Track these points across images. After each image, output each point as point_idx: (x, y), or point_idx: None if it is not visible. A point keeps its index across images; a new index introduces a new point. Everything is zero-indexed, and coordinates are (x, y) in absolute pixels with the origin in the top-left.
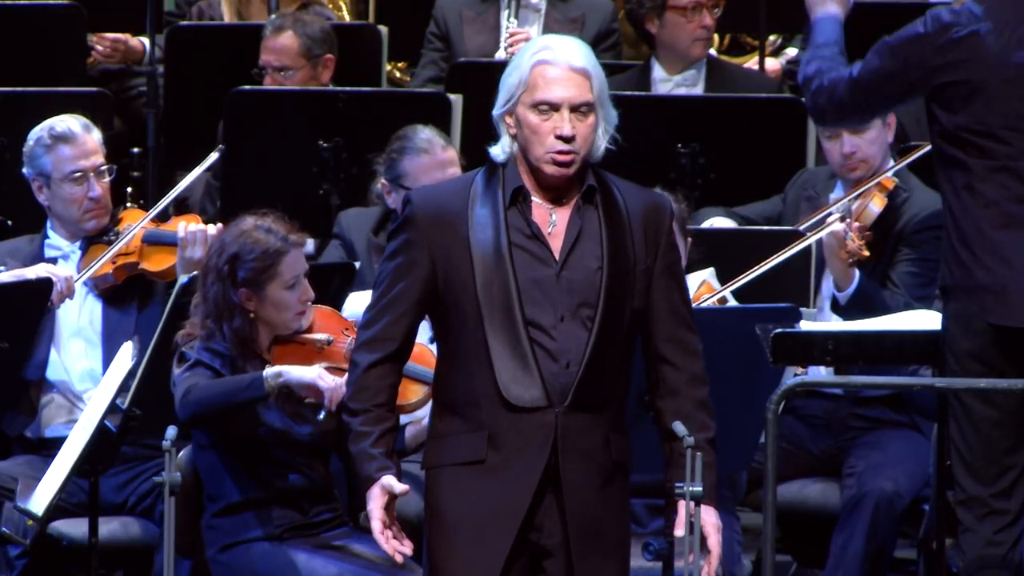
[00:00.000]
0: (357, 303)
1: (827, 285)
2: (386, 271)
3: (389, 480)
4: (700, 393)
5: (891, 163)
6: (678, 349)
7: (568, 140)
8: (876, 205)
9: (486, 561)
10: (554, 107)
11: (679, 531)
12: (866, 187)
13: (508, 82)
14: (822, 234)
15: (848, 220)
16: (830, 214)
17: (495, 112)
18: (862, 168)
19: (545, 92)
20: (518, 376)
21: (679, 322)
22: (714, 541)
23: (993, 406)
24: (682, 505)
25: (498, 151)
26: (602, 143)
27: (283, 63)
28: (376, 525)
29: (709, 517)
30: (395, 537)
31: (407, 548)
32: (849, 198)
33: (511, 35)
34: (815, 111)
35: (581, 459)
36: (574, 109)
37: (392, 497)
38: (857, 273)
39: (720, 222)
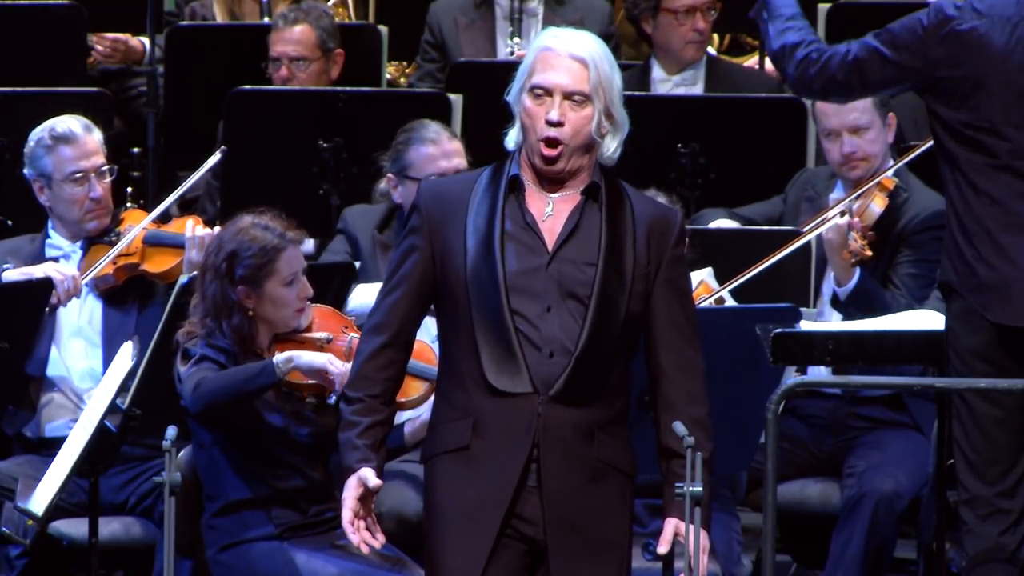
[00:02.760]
0: (363, 295)
1: (828, 285)
2: (393, 258)
3: (366, 472)
4: (697, 412)
5: (891, 163)
6: (677, 364)
7: (555, 125)
8: (877, 205)
9: (473, 551)
10: (548, 92)
11: (662, 548)
12: (867, 187)
13: (520, 69)
14: (823, 229)
15: (849, 220)
16: (832, 215)
17: (508, 97)
18: (862, 167)
19: (541, 76)
20: (503, 363)
21: (679, 337)
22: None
23: (997, 405)
24: (668, 522)
25: (510, 139)
26: (612, 145)
27: (301, 53)
28: (346, 515)
29: (700, 539)
30: (367, 529)
31: (376, 542)
32: (850, 198)
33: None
34: (800, 80)
35: (563, 452)
36: (567, 96)
37: (367, 489)
38: (858, 270)
39: (725, 224)
